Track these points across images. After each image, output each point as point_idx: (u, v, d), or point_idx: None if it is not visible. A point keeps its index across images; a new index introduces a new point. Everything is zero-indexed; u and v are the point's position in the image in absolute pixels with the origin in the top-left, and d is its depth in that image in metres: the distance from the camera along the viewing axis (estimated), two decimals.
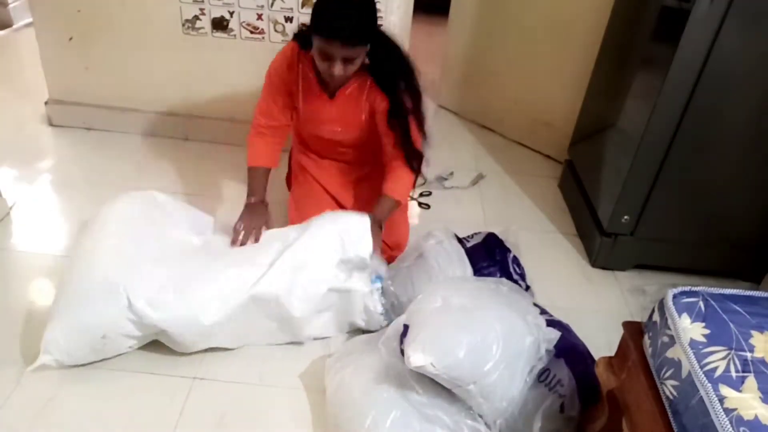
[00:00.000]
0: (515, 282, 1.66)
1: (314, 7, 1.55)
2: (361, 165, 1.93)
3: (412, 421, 1.27)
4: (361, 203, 1.85)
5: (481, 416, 1.29)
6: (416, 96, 1.69)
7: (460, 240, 1.77)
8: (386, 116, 1.69)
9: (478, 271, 1.66)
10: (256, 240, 1.67)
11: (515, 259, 1.72)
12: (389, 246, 1.88)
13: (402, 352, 1.29)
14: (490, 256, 1.70)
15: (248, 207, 1.76)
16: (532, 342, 1.31)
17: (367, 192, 1.88)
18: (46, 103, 2.50)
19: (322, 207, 1.80)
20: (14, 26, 3.40)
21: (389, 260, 1.76)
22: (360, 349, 1.49)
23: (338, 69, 1.55)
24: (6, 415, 1.38)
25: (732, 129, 1.75)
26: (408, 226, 1.96)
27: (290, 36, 2.02)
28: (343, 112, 1.75)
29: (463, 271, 1.65)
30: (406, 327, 1.32)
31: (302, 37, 1.68)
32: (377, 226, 1.65)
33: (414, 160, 1.71)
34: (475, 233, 1.82)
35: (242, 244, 1.65)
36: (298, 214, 1.83)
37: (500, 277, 1.64)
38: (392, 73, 1.67)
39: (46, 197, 2.15)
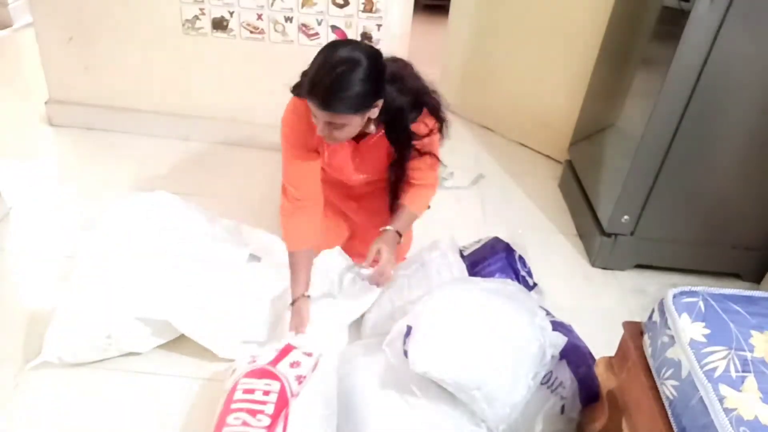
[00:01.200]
0: (523, 278, 1.66)
1: (312, 65, 1.39)
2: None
3: (414, 429, 1.26)
4: (365, 212, 1.86)
5: (483, 421, 1.29)
6: (431, 140, 1.59)
7: (463, 255, 1.77)
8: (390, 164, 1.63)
9: (482, 270, 1.66)
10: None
11: (521, 258, 1.72)
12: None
13: (406, 353, 1.28)
14: (494, 254, 1.70)
15: (296, 308, 1.54)
16: (539, 347, 1.29)
17: (370, 201, 1.87)
18: (46, 103, 2.50)
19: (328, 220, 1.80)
20: (14, 26, 3.40)
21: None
22: (360, 354, 1.48)
23: (325, 131, 1.41)
24: (5, 414, 1.38)
25: (732, 129, 1.75)
26: (411, 233, 1.96)
27: (290, 36, 2.00)
28: (368, 160, 1.65)
29: None
30: (409, 328, 1.31)
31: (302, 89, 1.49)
32: (396, 239, 1.64)
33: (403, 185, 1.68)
34: (480, 239, 1.82)
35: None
36: None
37: (506, 273, 1.64)
38: (400, 128, 1.53)
39: (46, 197, 2.15)
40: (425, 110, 1.56)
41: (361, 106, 1.38)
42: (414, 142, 1.56)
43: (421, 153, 1.60)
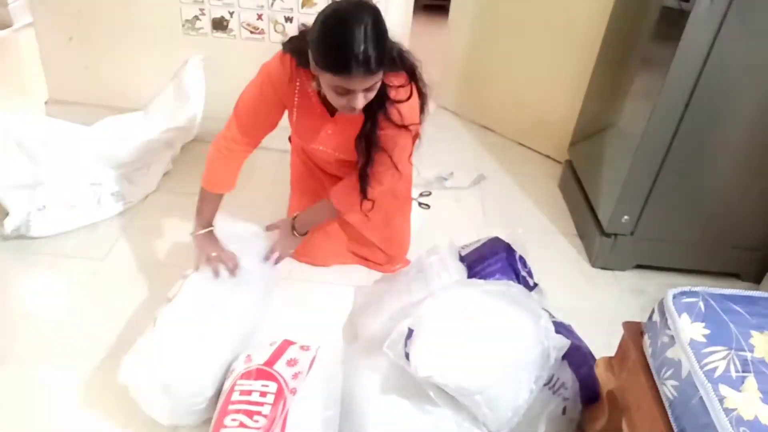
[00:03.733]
0: (523, 279, 1.65)
1: (320, 39, 1.30)
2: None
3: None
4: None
5: (485, 425, 1.28)
6: (404, 124, 1.51)
7: (462, 258, 1.77)
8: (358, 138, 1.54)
9: (482, 270, 1.66)
10: (234, 267, 1.54)
11: (521, 259, 1.72)
12: (387, 254, 1.88)
13: (407, 355, 1.28)
14: (494, 254, 1.70)
15: (202, 239, 1.59)
16: (542, 351, 1.28)
17: None
18: (46, 103, 2.50)
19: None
20: (14, 26, 3.40)
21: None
22: (360, 356, 1.48)
23: (361, 102, 1.35)
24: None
25: (732, 129, 1.75)
26: (409, 234, 1.96)
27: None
28: (341, 133, 1.60)
29: None
30: (410, 330, 1.31)
31: (298, 53, 1.44)
32: (293, 231, 1.69)
33: (367, 186, 1.60)
34: (480, 239, 1.82)
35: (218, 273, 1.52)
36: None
37: (506, 273, 1.64)
38: (377, 100, 1.44)
39: None
40: (405, 76, 1.48)
41: (389, 52, 1.35)
42: (390, 107, 1.46)
43: (394, 122, 1.49)
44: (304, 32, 1.44)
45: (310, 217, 1.76)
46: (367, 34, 1.26)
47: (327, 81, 1.34)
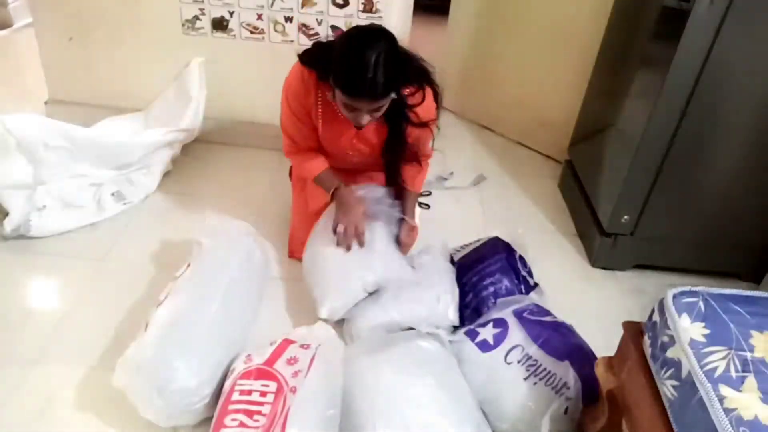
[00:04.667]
0: (523, 278, 1.65)
1: (336, 59, 1.43)
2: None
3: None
4: None
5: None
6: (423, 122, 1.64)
7: (453, 260, 1.78)
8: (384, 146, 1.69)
9: (482, 270, 1.67)
10: (361, 239, 1.63)
11: (522, 258, 1.72)
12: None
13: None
14: (495, 254, 1.70)
15: (339, 197, 1.71)
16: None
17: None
18: (46, 103, 2.50)
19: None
20: (14, 26, 3.40)
21: None
22: (358, 356, 1.47)
23: (366, 120, 1.50)
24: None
25: (732, 129, 1.75)
26: (417, 228, 1.96)
27: (290, 36, 2.02)
28: (366, 138, 1.70)
29: (445, 289, 1.64)
30: None
31: (315, 67, 1.56)
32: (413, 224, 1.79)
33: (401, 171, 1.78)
34: (480, 239, 1.82)
35: (349, 247, 1.63)
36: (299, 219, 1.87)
37: (506, 273, 1.65)
38: (398, 111, 1.59)
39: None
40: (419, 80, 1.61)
41: (399, 83, 1.50)
42: (409, 113, 1.60)
43: (417, 123, 1.63)
44: (318, 45, 1.60)
45: (412, 212, 1.83)
46: (379, 62, 1.38)
47: (338, 96, 1.47)
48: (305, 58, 1.58)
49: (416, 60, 1.59)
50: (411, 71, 1.56)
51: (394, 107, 1.55)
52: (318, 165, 1.75)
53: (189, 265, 1.55)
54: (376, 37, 1.42)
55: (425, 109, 1.61)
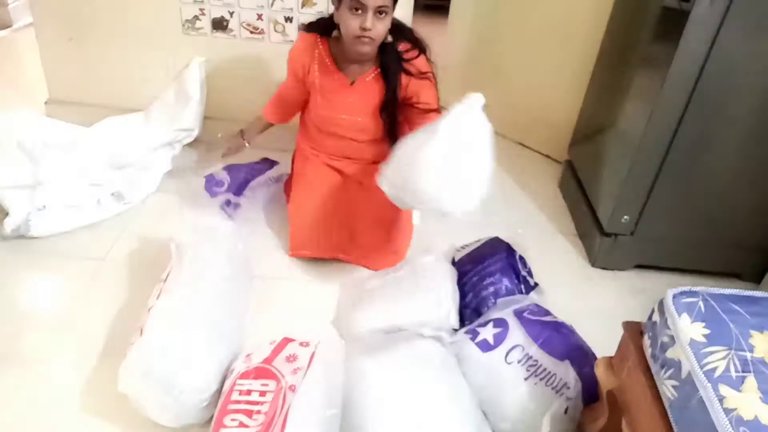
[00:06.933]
0: (523, 278, 1.65)
1: None
2: (363, 170, 1.94)
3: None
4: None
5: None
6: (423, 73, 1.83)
7: (455, 262, 1.77)
8: (382, 105, 1.83)
9: (482, 270, 1.67)
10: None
11: (522, 258, 1.72)
12: (387, 252, 1.88)
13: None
14: (495, 254, 1.70)
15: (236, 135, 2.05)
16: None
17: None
18: (46, 103, 2.50)
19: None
20: (14, 26, 3.40)
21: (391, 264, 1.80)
22: (358, 355, 1.47)
23: (371, 22, 1.61)
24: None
25: (732, 129, 1.75)
26: (411, 233, 1.96)
27: (290, 36, 2.07)
28: (363, 100, 1.82)
29: (446, 293, 1.64)
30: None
31: (317, 27, 1.80)
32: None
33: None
34: (480, 239, 1.82)
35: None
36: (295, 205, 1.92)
37: (506, 273, 1.64)
38: (394, 62, 1.78)
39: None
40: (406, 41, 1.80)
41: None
42: (405, 65, 1.78)
43: (414, 74, 1.80)
44: (321, 17, 1.84)
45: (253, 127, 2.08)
46: None
47: (345, 4, 1.61)
48: (308, 25, 1.83)
49: (412, 30, 1.82)
50: (406, 32, 1.78)
51: (390, 59, 1.76)
52: (268, 113, 2.02)
53: (173, 266, 1.54)
54: None
55: (421, 61, 1.81)
